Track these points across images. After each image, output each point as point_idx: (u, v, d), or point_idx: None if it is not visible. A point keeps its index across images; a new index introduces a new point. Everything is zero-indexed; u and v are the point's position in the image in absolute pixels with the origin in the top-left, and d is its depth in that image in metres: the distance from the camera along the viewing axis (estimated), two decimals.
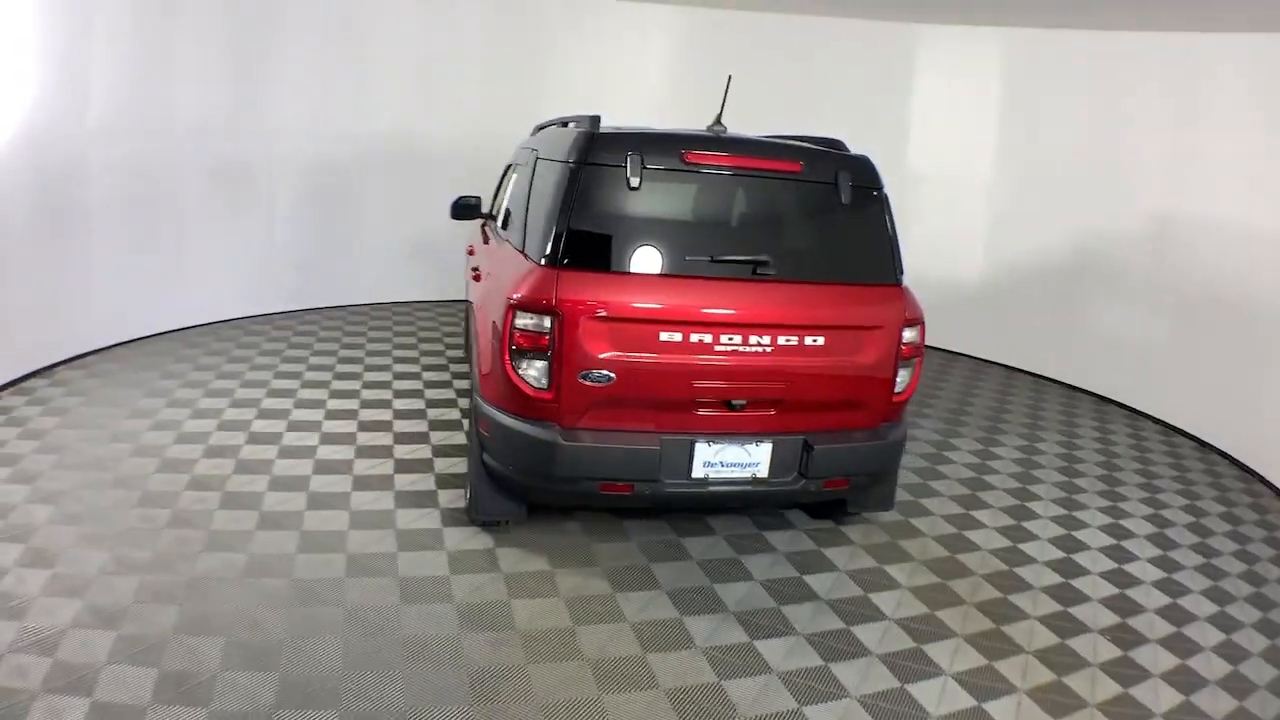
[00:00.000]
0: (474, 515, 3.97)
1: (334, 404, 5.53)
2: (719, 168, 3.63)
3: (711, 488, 3.62)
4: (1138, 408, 6.94)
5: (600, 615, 3.45)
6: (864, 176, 3.80)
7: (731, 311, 3.49)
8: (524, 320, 3.41)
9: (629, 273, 3.49)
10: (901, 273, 3.84)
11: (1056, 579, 4.07)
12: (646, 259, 3.52)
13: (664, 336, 3.45)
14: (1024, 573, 4.12)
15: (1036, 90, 7.58)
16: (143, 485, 4.22)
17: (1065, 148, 7.38)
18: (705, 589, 3.73)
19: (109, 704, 2.70)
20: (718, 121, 4.22)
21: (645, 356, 3.45)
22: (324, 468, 4.58)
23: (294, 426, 5.09)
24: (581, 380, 3.42)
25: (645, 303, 3.45)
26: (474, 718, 2.80)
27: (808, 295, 3.60)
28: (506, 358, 3.48)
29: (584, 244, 3.47)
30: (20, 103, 5.27)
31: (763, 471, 3.64)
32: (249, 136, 7.14)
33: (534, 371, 3.45)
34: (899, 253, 3.83)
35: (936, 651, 3.39)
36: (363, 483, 4.43)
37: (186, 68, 6.55)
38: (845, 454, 3.72)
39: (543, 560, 3.84)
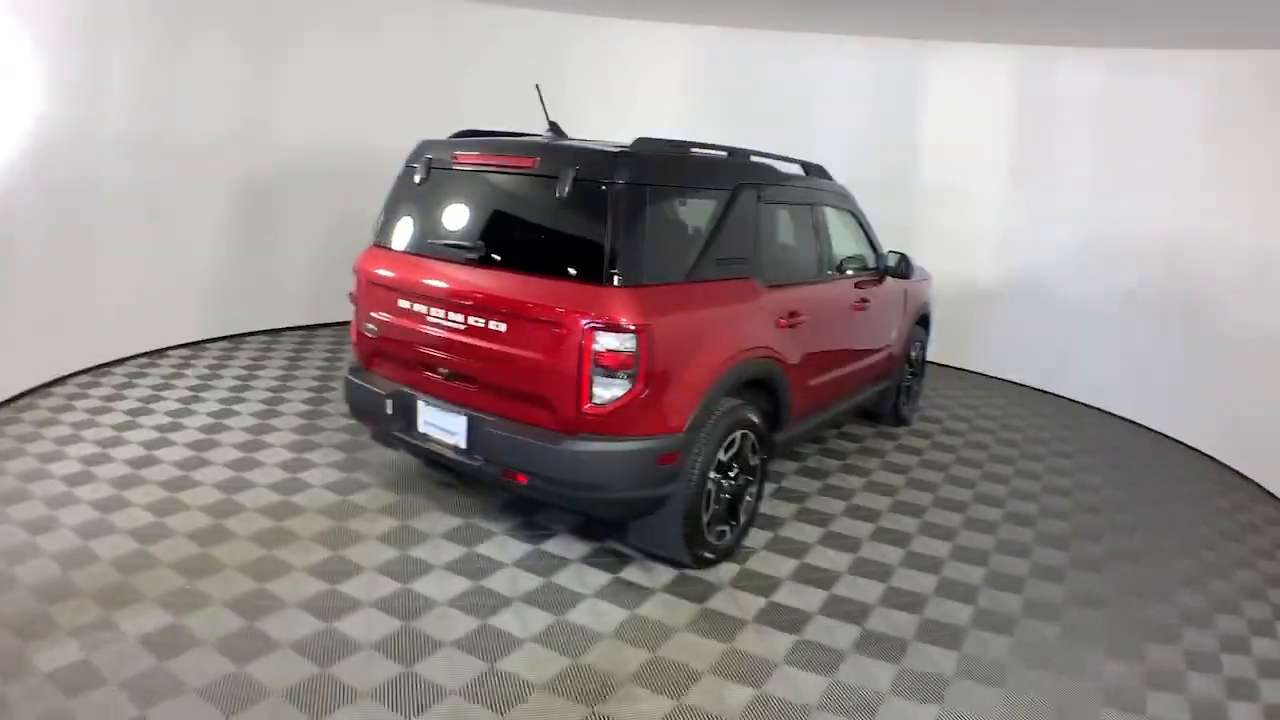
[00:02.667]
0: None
1: None
2: (475, 165, 4.08)
3: (431, 446, 4.02)
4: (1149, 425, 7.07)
5: None
6: (594, 171, 3.62)
7: (438, 289, 3.93)
8: (353, 283, 4.39)
9: (396, 251, 4.23)
10: (616, 273, 3.50)
11: None
12: (410, 240, 4.22)
13: (400, 303, 4.10)
14: None
15: (1049, 108, 7.56)
16: None
17: (1077, 164, 7.45)
18: None
19: None
20: (552, 128, 4.47)
21: (387, 318, 4.18)
22: None
23: None
24: (364, 331, 4.33)
25: (388, 274, 4.17)
26: None
27: (500, 282, 3.76)
28: (352, 309, 4.47)
29: (388, 228, 4.33)
30: (31, 116, 5.31)
31: (462, 444, 3.87)
32: (262, 151, 7.13)
33: (354, 322, 4.43)
34: (619, 251, 3.50)
35: None
36: None
37: (199, 82, 6.55)
38: (503, 444, 3.71)
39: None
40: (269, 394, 6.00)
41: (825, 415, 5.20)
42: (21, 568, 3.57)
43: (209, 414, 5.48)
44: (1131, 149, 7.06)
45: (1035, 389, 7.94)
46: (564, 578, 3.91)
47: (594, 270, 3.55)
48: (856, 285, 5.35)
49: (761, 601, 3.85)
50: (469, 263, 3.90)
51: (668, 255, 3.78)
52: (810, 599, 3.91)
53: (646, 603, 3.76)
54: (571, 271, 3.62)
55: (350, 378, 4.38)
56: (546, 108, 4.60)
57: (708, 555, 4.03)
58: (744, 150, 4.52)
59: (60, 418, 5.20)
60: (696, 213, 4.05)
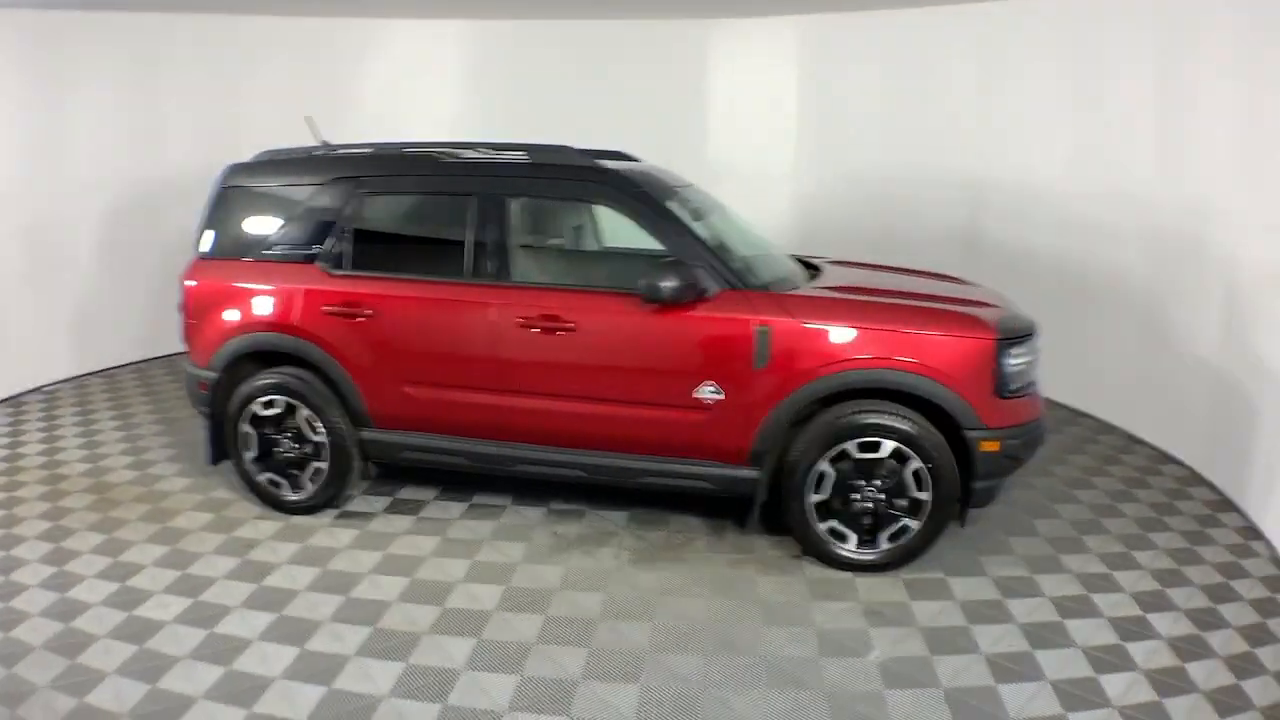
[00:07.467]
0: None
1: None
2: None
3: None
4: None
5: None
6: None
7: None
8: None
9: None
10: (201, 248, 4.88)
11: None
12: None
13: None
14: None
15: (836, 75, 7.72)
16: None
17: (871, 128, 7.54)
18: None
19: None
20: (324, 145, 5.07)
21: None
22: None
23: None
24: None
25: None
26: None
27: None
28: None
29: None
30: None
31: None
32: (55, 194, 7.03)
33: None
34: (203, 233, 4.89)
35: None
36: None
37: (77, 126, 6.71)
38: None
39: None
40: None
41: (483, 447, 4.52)
42: None
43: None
44: (921, 104, 7.22)
45: None
46: None
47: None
48: (549, 297, 4.35)
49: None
50: None
51: (239, 238, 4.85)
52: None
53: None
54: None
55: None
56: (318, 132, 5.20)
57: (271, 491, 4.81)
58: (391, 145, 5.01)
59: None
60: (285, 205, 4.80)
